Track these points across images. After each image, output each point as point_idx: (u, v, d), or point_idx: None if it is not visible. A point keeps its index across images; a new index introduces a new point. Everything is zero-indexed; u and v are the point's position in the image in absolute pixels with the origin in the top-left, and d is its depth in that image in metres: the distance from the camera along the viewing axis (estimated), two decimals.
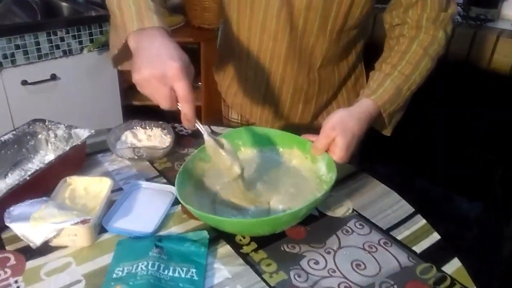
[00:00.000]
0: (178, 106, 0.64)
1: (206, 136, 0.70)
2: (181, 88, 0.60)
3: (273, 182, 0.76)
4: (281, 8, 0.81)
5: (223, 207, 0.72)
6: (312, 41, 0.85)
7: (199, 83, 2.15)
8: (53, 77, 1.65)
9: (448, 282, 0.62)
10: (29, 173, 0.79)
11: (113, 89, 1.87)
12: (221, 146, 0.71)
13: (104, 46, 1.74)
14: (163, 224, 0.70)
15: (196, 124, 0.67)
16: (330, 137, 0.72)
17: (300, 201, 0.71)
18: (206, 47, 1.99)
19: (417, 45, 0.81)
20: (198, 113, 2.24)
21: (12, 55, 1.52)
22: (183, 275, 0.59)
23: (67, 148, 0.82)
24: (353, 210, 0.76)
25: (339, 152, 0.71)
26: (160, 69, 0.59)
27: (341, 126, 0.72)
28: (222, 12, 0.94)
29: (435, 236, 0.71)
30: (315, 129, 1.00)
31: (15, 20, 1.72)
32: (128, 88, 2.07)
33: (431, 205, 0.87)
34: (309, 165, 0.77)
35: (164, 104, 0.62)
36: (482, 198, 1.83)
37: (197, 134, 0.97)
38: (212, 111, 2.15)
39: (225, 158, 0.70)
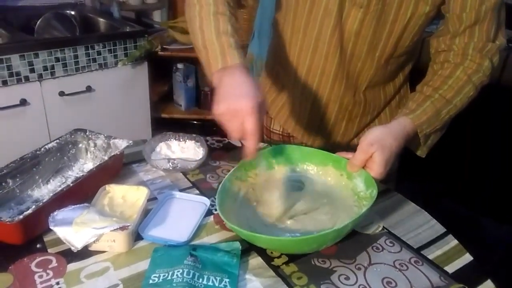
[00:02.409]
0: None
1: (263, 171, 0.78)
2: (250, 123, 0.65)
3: (309, 201, 0.77)
4: (334, 32, 0.84)
5: (260, 225, 0.73)
6: (360, 65, 0.87)
7: (206, 88, 2.19)
8: (89, 89, 1.72)
9: None
10: (69, 180, 0.83)
11: (144, 101, 1.93)
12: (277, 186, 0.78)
13: (137, 60, 1.81)
14: (196, 234, 0.72)
15: (258, 155, 0.73)
16: (368, 153, 0.73)
17: (341, 217, 0.72)
18: None
19: (461, 71, 0.81)
20: None
21: (52, 67, 1.59)
22: (217, 284, 0.60)
23: (106, 157, 0.86)
24: (384, 227, 0.76)
25: (377, 168, 0.72)
26: (235, 105, 0.65)
27: (380, 142, 0.73)
28: (274, 31, 0.98)
29: (467, 257, 0.70)
30: (353, 148, 1.03)
31: (55, 34, 1.81)
32: (157, 101, 2.14)
33: (459, 226, 0.86)
34: (346, 182, 0.78)
35: (234, 135, 0.68)
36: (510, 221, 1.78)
37: (228, 148, 1.00)
38: None
39: (272, 203, 0.76)
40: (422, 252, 0.71)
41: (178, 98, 2.19)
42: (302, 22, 0.87)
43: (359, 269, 0.67)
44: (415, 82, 0.91)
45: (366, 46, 0.84)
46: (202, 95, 2.18)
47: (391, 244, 0.72)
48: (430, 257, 0.70)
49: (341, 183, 0.78)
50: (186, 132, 0.97)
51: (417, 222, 0.78)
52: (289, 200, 0.77)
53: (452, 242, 0.73)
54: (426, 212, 0.81)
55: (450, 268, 0.68)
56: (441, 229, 0.77)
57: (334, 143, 1.01)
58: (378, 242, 0.73)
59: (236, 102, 0.65)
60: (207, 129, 2.22)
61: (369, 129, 0.76)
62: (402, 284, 0.64)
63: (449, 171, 1.76)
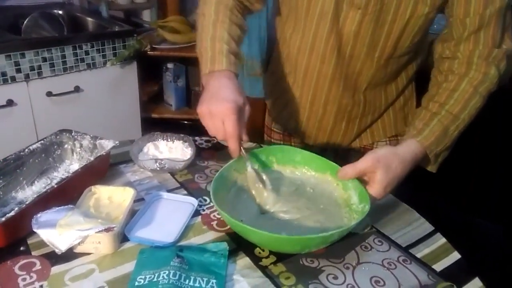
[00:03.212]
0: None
1: (249, 169, 0.76)
2: (228, 125, 0.69)
3: (303, 203, 0.76)
4: (330, 33, 0.83)
5: (250, 217, 0.73)
6: (359, 66, 0.87)
7: (196, 88, 2.17)
8: (77, 89, 1.70)
9: None
10: (55, 181, 0.81)
11: (133, 101, 1.92)
12: (262, 180, 0.76)
13: (126, 60, 1.79)
14: (183, 234, 0.71)
15: (242, 154, 0.74)
16: (370, 168, 0.71)
17: (330, 225, 0.71)
18: None
19: (467, 83, 0.78)
20: None
21: (39, 67, 1.57)
22: (203, 285, 0.59)
23: (92, 158, 0.85)
24: (372, 226, 0.76)
25: (377, 187, 0.70)
26: (215, 108, 0.70)
27: (386, 162, 0.71)
28: (277, 32, 0.98)
29: (455, 255, 0.70)
30: (356, 149, 1.01)
31: (42, 34, 1.79)
32: (147, 101, 2.12)
33: (450, 225, 0.86)
34: (340, 192, 0.77)
35: (215, 134, 0.72)
36: (502, 221, 1.80)
37: (217, 147, 0.99)
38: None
39: (263, 192, 0.76)
40: (410, 250, 0.71)
41: (168, 98, 2.18)
42: (300, 23, 0.87)
43: (347, 268, 0.66)
44: (423, 83, 0.89)
45: (365, 47, 0.83)
46: (193, 95, 2.17)
47: (380, 243, 0.72)
48: (418, 255, 0.70)
49: (336, 192, 0.78)
50: (177, 132, 0.96)
51: (406, 221, 0.78)
52: (283, 199, 0.76)
53: (440, 240, 0.73)
54: (415, 211, 0.81)
55: (438, 267, 0.68)
56: (429, 227, 0.77)
57: (335, 144, 1.00)
58: (366, 241, 0.72)
59: (216, 105, 0.70)
60: (198, 129, 2.18)
61: (379, 147, 0.75)
62: (391, 283, 0.64)
63: (444, 173, 1.77)
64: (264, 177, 0.77)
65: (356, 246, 0.71)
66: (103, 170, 0.84)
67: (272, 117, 1.11)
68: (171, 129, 2.43)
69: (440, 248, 0.72)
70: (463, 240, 0.81)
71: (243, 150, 0.74)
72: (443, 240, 0.74)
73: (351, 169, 0.72)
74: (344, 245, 0.71)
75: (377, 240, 0.73)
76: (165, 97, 2.20)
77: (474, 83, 0.78)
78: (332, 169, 0.79)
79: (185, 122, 2.21)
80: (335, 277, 0.64)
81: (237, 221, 0.64)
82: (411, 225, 0.77)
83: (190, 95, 2.18)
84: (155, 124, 2.13)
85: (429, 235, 0.75)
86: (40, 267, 0.62)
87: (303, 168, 0.83)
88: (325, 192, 0.79)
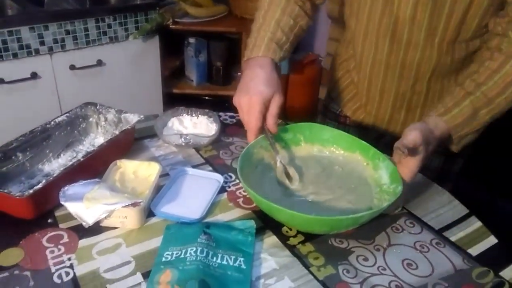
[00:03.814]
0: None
1: (278, 164, 0.74)
2: (249, 118, 0.72)
3: (333, 183, 0.74)
4: (382, 17, 0.80)
5: (278, 196, 0.71)
6: (419, 54, 0.81)
7: (239, 73, 2.15)
8: (99, 63, 1.69)
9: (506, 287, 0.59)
10: (80, 154, 0.81)
11: (155, 76, 1.90)
12: (287, 174, 0.74)
13: (148, 34, 1.77)
14: (209, 211, 0.70)
15: (271, 146, 0.74)
16: (418, 143, 0.66)
17: (360, 206, 0.69)
18: (247, 37, 1.97)
19: (511, 65, 0.72)
20: None
21: (62, 40, 1.56)
22: (231, 263, 0.58)
23: (117, 132, 0.84)
24: (403, 208, 0.73)
25: (413, 168, 0.67)
26: (242, 99, 0.72)
27: (426, 139, 0.67)
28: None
29: (492, 240, 0.67)
30: None
31: (65, 6, 1.77)
32: (168, 76, 2.10)
33: (481, 208, 0.82)
34: (370, 172, 0.75)
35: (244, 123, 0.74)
36: None
37: (241, 124, 0.97)
38: None
39: (289, 185, 0.73)
40: (443, 233, 0.68)
41: (190, 73, 2.16)
42: (354, 6, 0.85)
43: (378, 250, 0.64)
44: None
45: (423, 33, 0.78)
46: (214, 71, 2.14)
47: (411, 225, 0.70)
48: (453, 239, 0.67)
49: (366, 172, 0.75)
50: (200, 107, 0.95)
51: (438, 203, 0.75)
52: (312, 178, 0.74)
53: (475, 224, 0.70)
54: (448, 193, 0.78)
55: (474, 251, 0.65)
56: (463, 210, 0.74)
57: (394, 132, 0.96)
58: (397, 222, 0.70)
59: (243, 97, 0.72)
60: (219, 104, 2.18)
61: (419, 124, 0.69)
62: (423, 266, 0.62)
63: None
64: (291, 171, 0.74)
65: (387, 228, 0.69)
66: (128, 144, 0.83)
67: (331, 97, 1.06)
68: (193, 105, 2.42)
69: (476, 232, 0.69)
70: (492, 222, 0.77)
71: (271, 140, 0.74)
72: (479, 223, 0.71)
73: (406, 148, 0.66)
74: (374, 226, 0.69)
75: (409, 222, 0.70)
76: (187, 72, 2.18)
77: None
78: (362, 148, 0.76)
79: (206, 97, 2.19)
80: (366, 259, 0.63)
81: (265, 199, 0.62)
82: (444, 207, 0.74)
83: (212, 71, 2.15)
84: (176, 100, 2.11)
85: (464, 218, 0.72)
86: (67, 240, 0.62)
87: (331, 147, 0.80)
88: (354, 172, 0.76)
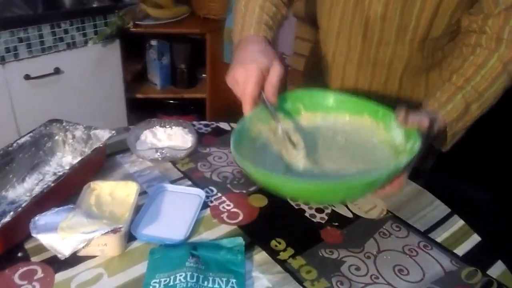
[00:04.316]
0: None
1: (280, 131, 0.69)
2: (246, 89, 0.66)
3: (338, 153, 0.69)
4: (354, 15, 0.79)
5: (281, 171, 0.66)
6: (390, 51, 0.81)
7: (204, 75, 2.10)
8: (57, 71, 1.60)
9: (495, 287, 0.60)
10: (47, 176, 0.76)
11: (117, 82, 1.82)
12: (293, 143, 0.69)
13: (108, 38, 1.69)
14: (193, 230, 0.67)
15: (270, 109, 0.68)
16: (424, 129, 0.64)
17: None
18: (212, 38, 1.94)
19: (496, 59, 0.72)
20: (202, 105, 2.19)
21: (15, 48, 1.46)
22: (223, 286, 0.56)
23: (86, 149, 0.79)
24: (388, 211, 0.73)
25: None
26: (237, 72, 0.67)
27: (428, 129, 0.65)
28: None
29: (476, 238, 0.69)
30: None
31: (16, 12, 1.66)
32: (131, 81, 2.03)
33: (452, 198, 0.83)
34: (382, 135, 0.69)
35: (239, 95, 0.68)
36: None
37: (218, 132, 0.94)
38: (217, 102, 2.12)
39: (294, 153, 0.68)
40: (429, 235, 0.69)
41: (153, 77, 2.09)
42: (327, 4, 0.83)
43: (368, 257, 0.64)
44: None
45: (394, 30, 0.77)
46: (178, 73, 2.08)
47: (398, 229, 0.70)
48: (438, 240, 0.68)
49: (376, 136, 0.70)
50: (164, 113, 0.91)
51: (421, 204, 0.76)
52: (317, 149, 0.70)
53: (458, 222, 0.72)
54: (429, 192, 0.78)
55: (460, 251, 0.66)
56: (445, 209, 0.75)
57: None
58: (384, 227, 0.70)
59: (238, 70, 0.67)
60: (185, 108, 2.13)
61: (425, 111, 0.68)
62: (414, 271, 0.62)
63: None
64: (296, 138, 0.69)
65: (375, 234, 0.68)
66: (100, 162, 0.79)
67: None
68: (157, 110, 2.34)
69: (460, 231, 0.70)
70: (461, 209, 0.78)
71: (271, 108, 0.67)
72: (461, 222, 0.72)
73: (416, 119, 0.64)
74: (361, 232, 0.68)
75: (395, 225, 0.70)
76: (149, 76, 2.11)
77: (504, 60, 0.72)
78: (370, 110, 0.71)
79: (171, 101, 2.13)
80: (358, 268, 0.62)
81: (273, 173, 0.58)
82: (427, 208, 0.75)
83: (176, 74, 2.09)
84: (140, 105, 2.04)
85: (446, 217, 0.73)
86: (42, 275, 0.58)
87: (336, 113, 0.74)
88: (364, 138, 0.71)
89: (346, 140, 0.72)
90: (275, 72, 0.67)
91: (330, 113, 0.74)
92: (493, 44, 0.73)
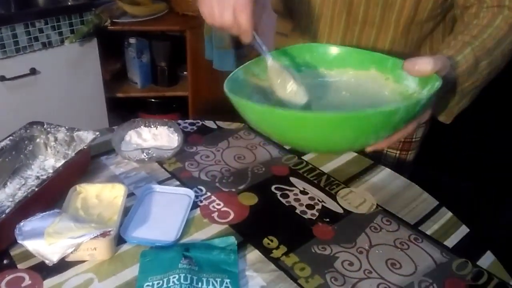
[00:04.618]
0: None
1: (269, 62, 0.63)
2: (243, 18, 0.58)
3: (343, 107, 0.64)
4: None
5: None
6: (374, 34, 0.79)
7: (185, 72, 2.08)
8: (33, 72, 1.55)
9: (485, 277, 0.61)
10: (29, 180, 0.73)
11: (96, 81, 1.79)
12: (284, 76, 0.63)
13: (85, 37, 1.65)
14: (184, 231, 0.65)
15: (256, 42, 0.62)
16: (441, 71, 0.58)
17: None
18: (192, 35, 1.92)
19: (501, 20, 0.67)
20: (185, 103, 2.17)
21: None
22: (218, 286, 0.55)
23: (69, 152, 0.77)
24: (377, 205, 0.74)
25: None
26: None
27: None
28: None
29: (464, 229, 0.70)
30: None
31: None
32: (110, 80, 1.99)
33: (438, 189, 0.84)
34: (392, 86, 0.63)
35: (226, 15, 0.59)
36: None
37: (204, 130, 0.93)
38: (199, 100, 2.10)
39: (291, 83, 0.62)
40: (419, 228, 0.69)
41: (133, 76, 2.05)
42: None
43: (360, 252, 0.64)
44: None
45: (379, 10, 0.76)
46: (159, 71, 2.05)
47: (388, 223, 0.70)
48: (428, 232, 0.69)
49: (387, 89, 0.64)
50: (145, 112, 0.89)
51: (409, 197, 0.76)
52: (323, 108, 0.65)
53: (447, 214, 0.72)
54: (417, 186, 0.79)
55: (450, 243, 0.67)
56: (433, 202, 0.75)
57: None
58: (375, 221, 0.70)
59: None
60: (167, 106, 2.10)
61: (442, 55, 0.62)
62: (407, 265, 0.62)
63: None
64: (287, 73, 0.63)
65: (366, 228, 0.69)
66: (85, 165, 0.77)
67: None
68: (139, 109, 2.31)
69: (448, 223, 0.71)
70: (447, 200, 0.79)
71: (258, 39, 0.62)
72: (449, 214, 0.73)
73: (430, 62, 0.56)
74: (352, 227, 0.68)
75: (385, 219, 0.71)
76: (129, 74, 2.07)
77: (509, 21, 0.67)
78: (378, 63, 0.65)
79: (152, 100, 2.09)
80: (351, 263, 0.62)
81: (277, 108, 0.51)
82: (415, 200, 0.76)
83: (156, 72, 2.06)
84: (120, 104, 2.01)
85: (435, 209, 0.74)
86: (30, 282, 0.56)
87: (340, 68, 0.68)
88: (370, 91, 0.66)
89: (351, 95, 0.66)
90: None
91: (333, 69, 0.69)
92: (495, 10, 0.70)
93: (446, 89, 0.66)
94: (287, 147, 0.87)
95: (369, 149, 0.60)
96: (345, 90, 0.67)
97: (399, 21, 0.77)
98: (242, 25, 0.60)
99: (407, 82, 0.62)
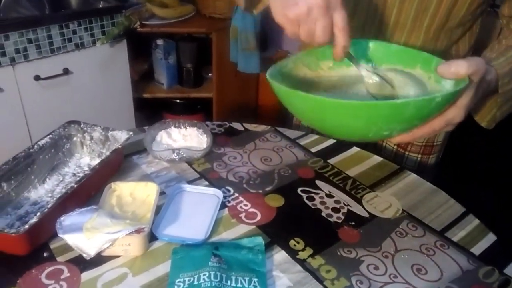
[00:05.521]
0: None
1: (364, 72, 0.65)
2: (341, 17, 0.57)
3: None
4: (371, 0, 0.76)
5: None
6: (405, 36, 0.80)
7: (210, 74, 2.11)
8: (66, 72, 1.61)
9: None
10: (67, 177, 0.77)
11: (125, 82, 1.84)
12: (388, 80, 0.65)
13: (115, 38, 1.70)
14: (213, 230, 0.68)
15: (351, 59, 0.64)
16: (477, 74, 0.58)
17: None
18: (218, 37, 1.95)
19: None
20: (209, 104, 2.20)
21: (25, 49, 1.47)
22: (246, 285, 0.57)
23: (104, 150, 0.80)
24: (403, 210, 0.74)
25: (464, 103, 0.58)
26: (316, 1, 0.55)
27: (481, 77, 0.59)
28: None
29: (491, 237, 0.69)
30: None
31: (22, 13, 1.67)
32: (138, 81, 2.04)
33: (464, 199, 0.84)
34: (433, 85, 0.65)
35: (323, 37, 0.57)
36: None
37: (231, 132, 0.95)
38: (223, 102, 2.13)
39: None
40: (445, 234, 0.70)
41: (160, 77, 2.10)
42: None
43: (386, 257, 0.65)
44: None
45: (412, 13, 0.76)
46: (185, 72, 2.09)
47: (414, 228, 0.71)
48: (454, 239, 0.69)
49: (428, 86, 0.65)
50: (170, 112, 0.92)
51: (436, 203, 0.76)
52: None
53: (473, 221, 0.72)
54: (443, 192, 0.79)
55: (477, 250, 0.67)
56: (460, 208, 0.75)
57: None
58: (400, 226, 0.71)
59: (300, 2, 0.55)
60: (191, 107, 2.14)
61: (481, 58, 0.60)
62: (432, 270, 0.63)
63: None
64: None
65: (391, 233, 0.69)
66: (118, 163, 0.80)
67: None
68: (164, 109, 2.35)
69: (476, 230, 0.71)
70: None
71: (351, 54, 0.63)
72: (477, 221, 0.73)
73: (464, 66, 0.55)
74: (378, 232, 0.69)
75: (411, 225, 0.71)
76: (156, 75, 2.12)
77: None
78: (423, 61, 0.66)
79: (178, 101, 2.14)
80: (376, 267, 0.63)
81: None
82: (442, 207, 0.76)
83: (182, 73, 2.10)
84: (147, 104, 2.05)
85: (462, 216, 0.74)
86: (69, 274, 0.59)
87: (388, 65, 0.70)
88: (411, 89, 0.66)
89: (397, 92, 0.66)
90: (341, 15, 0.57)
91: (382, 65, 0.70)
92: None
93: (487, 92, 0.65)
94: (312, 151, 0.89)
95: (393, 141, 0.59)
96: (394, 86, 0.68)
97: (431, 26, 0.78)
98: (339, 25, 0.57)
99: (444, 83, 0.63)
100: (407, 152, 1.00)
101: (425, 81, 0.66)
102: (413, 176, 0.83)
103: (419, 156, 0.99)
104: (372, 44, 0.71)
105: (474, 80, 0.58)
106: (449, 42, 0.82)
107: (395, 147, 1.00)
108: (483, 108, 0.73)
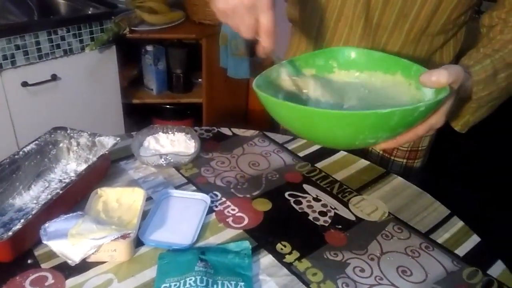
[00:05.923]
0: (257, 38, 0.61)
1: (283, 76, 0.67)
2: (267, 19, 0.58)
3: (361, 102, 0.68)
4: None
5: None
6: (386, 37, 0.81)
7: (200, 80, 2.12)
8: (54, 78, 1.60)
9: (495, 286, 0.62)
10: (52, 183, 0.76)
11: (114, 88, 1.83)
12: (301, 90, 0.67)
13: (104, 44, 1.70)
14: (200, 234, 0.68)
15: (275, 59, 0.65)
16: (455, 83, 0.59)
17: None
18: (207, 43, 1.96)
19: None
20: (199, 110, 2.21)
21: (12, 56, 1.46)
22: None
23: (91, 156, 0.80)
24: (389, 213, 0.75)
25: (444, 110, 0.60)
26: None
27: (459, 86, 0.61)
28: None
29: (475, 239, 0.70)
30: None
31: (10, 19, 1.67)
32: (127, 87, 2.04)
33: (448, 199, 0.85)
34: (413, 92, 0.66)
35: (246, 34, 0.60)
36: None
37: (220, 137, 0.95)
38: (213, 107, 2.13)
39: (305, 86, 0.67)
40: (430, 236, 0.70)
41: (149, 82, 2.10)
42: None
43: (372, 259, 0.65)
44: None
45: (394, 16, 0.77)
46: (174, 78, 2.09)
47: (400, 231, 0.71)
48: (439, 241, 0.70)
49: (408, 93, 0.66)
50: (160, 118, 0.92)
51: (421, 205, 0.77)
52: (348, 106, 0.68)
53: (458, 223, 0.73)
54: (428, 194, 0.80)
55: (461, 251, 0.68)
56: (445, 211, 0.76)
57: None
58: (386, 229, 0.71)
59: None
60: (181, 113, 2.14)
61: (459, 66, 0.63)
62: (417, 272, 0.63)
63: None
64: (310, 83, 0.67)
65: (377, 235, 0.70)
66: (105, 169, 0.79)
67: None
68: (154, 115, 2.35)
69: (460, 232, 0.72)
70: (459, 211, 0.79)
71: (277, 55, 0.64)
72: (461, 223, 0.73)
73: (445, 75, 0.56)
74: (364, 235, 0.70)
75: (397, 227, 0.72)
76: (145, 81, 2.12)
77: None
78: (403, 68, 0.67)
79: (167, 106, 2.14)
80: (362, 270, 0.63)
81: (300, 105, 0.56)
82: (427, 209, 0.76)
83: (172, 78, 2.10)
84: (136, 110, 2.05)
85: (446, 219, 0.74)
86: (53, 281, 0.58)
87: (369, 71, 0.71)
88: (390, 95, 0.68)
89: (369, 92, 0.69)
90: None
91: (363, 71, 0.72)
92: None
93: (463, 97, 0.67)
94: (300, 155, 0.89)
95: (378, 147, 0.61)
96: (369, 91, 0.70)
97: (411, 30, 0.79)
98: (264, 27, 0.59)
99: (425, 90, 0.64)
100: (392, 157, 1.01)
101: (405, 90, 0.67)
102: (399, 180, 0.84)
103: (405, 161, 1.00)
104: (354, 52, 0.73)
105: (454, 87, 0.59)
106: (431, 48, 0.84)
107: (381, 152, 1.01)
108: (458, 113, 0.74)
